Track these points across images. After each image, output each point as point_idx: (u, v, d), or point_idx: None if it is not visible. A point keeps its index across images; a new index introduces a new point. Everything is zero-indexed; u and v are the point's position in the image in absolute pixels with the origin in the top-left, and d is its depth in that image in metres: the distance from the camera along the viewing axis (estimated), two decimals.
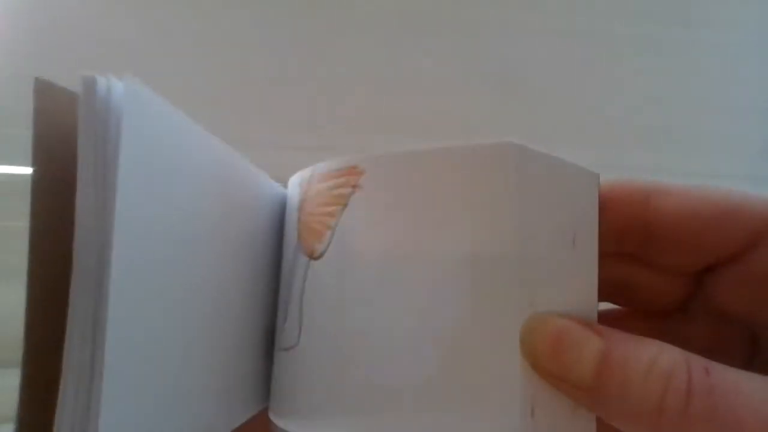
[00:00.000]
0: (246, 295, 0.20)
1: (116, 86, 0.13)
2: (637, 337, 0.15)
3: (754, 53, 0.62)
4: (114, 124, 0.13)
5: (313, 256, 0.19)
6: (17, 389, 0.15)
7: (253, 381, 0.21)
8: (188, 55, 0.50)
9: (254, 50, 0.51)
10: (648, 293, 0.20)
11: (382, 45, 0.53)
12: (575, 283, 0.16)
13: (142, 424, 0.15)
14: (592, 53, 0.57)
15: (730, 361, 0.15)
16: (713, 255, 0.18)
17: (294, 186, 0.20)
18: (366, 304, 0.17)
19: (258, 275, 0.21)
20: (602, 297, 0.19)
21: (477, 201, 0.16)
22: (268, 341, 0.21)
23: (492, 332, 0.16)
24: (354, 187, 0.18)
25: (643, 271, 0.20)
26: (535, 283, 0.16)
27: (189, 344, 0.17)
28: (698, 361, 0.14)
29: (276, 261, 0.21)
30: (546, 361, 0.15)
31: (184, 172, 0.16)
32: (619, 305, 0.21)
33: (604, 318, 0.17)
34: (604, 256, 0.17)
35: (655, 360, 0.14)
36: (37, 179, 0.13)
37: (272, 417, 0.20)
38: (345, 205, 0.18)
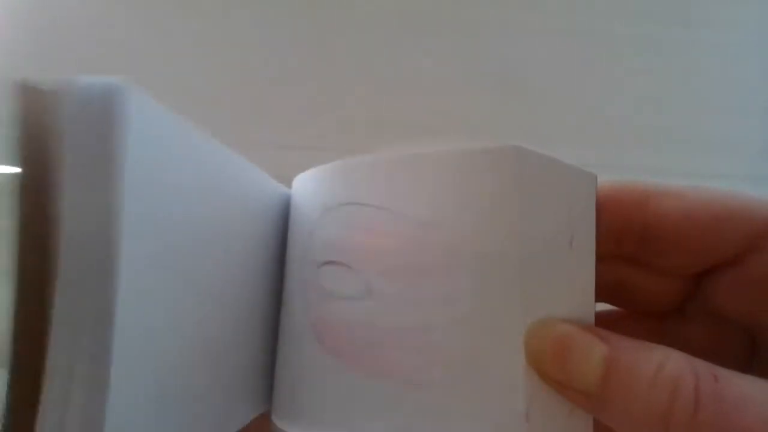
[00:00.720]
0: (250, 296, 0.20)
1: (112, 87, 0.13)
2: (643, 342, 0.15)
3: (754, 53, 0.62)
4: (111, 128, 0.12)
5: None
6: (4, 389, 0.14)
7: (256, 383, 0.21)
8: (188, 55, 0.50)
9: (254, 50, 0.51)
10: (645, 294, 0.20)
11: (382, 45, 0.53)
12: (572, 284, 0.16)
13: (145, 425, 0.15)
14: (592, 53, 0.57)
15: (728, 363, 0.15)
16: (712, 258, 0.18)
17: (305, 194, 0.20)
18: (366, 305, 0.18)
19: (262, 276, 0.21)
20: (599, 298, 0.19)
21: (477, 204, 0.16)
22: (272, 342, 0.21)
23: (491, 334, 0.16)
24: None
25: (640, 272, 0.20)
26: (533, 286, 0.16)
27: (193, 346, 0.17)
28: (706, 368, 0.14)
29: (280, 260, 0.21)
30: (550, 367, 0.15)
31: (187, 176, 0.16)
32: (617, 306, 0.21)
33: (602, 319, 0.17)
34: (601, 257, 0.17)
35: (662, 366, 0.14)
36: (19, 180, 0.13)
37: (274, 419, 0.20)
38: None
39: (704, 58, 0.60)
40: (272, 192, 0.21)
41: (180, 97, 0.49)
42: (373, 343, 0.18)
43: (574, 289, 0.16)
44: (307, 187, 0.21)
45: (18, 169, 0.12)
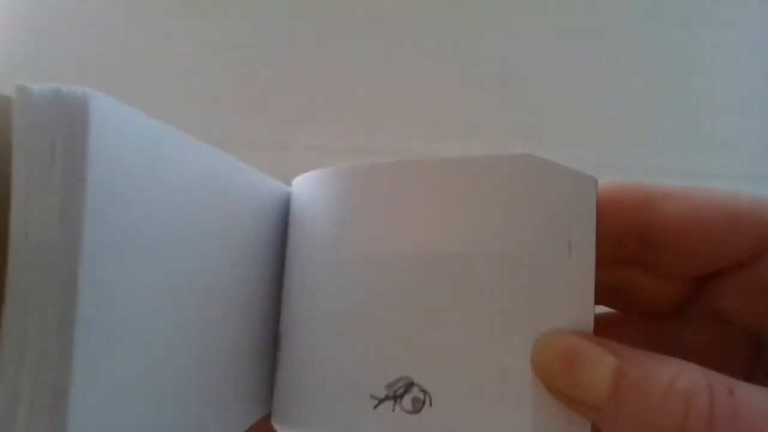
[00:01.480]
0: (248, 298, 0.20)
1: (64, 93, 0.13)
2: (654, 354, 0.15)
3: (755, 53, 0.62)
4: (66, 133, 0.13)
5: None
6: None
7: (255, 386, 0.20)
8: (188, 55, 0.50)
9: (254, 50, 0.51)
10: (645, 296, 0.19)
11: (382, 45, 0.53)
12: (572, 291, 0.16)
13: (133, 426, 0.15)
14: (591, 53, 0.57)
15: (729, 366, 0.14)
16: (719, 261, 0.17)
17: (308, 196, 0.20)
18: (369, 310, 0.18)
19: (261, 277, 0.20)
20: (599, 301, 0.18)
21: (483, 211, 0.16)
22: (272, 345, 0.21)
23: (497, 345, 0.16)
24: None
25: (641, 274, 0.19)
26: (539, 295, 0.16)
27: (188, 347, 0.17)
28: (721, 382, 0.13)
29: (279, 260, 0.21)
30: (558, 380, 0.15)
31: (163, 180, 0.15)
32: (616, 309, 0.21)
33: (601, 321, 0.17)
34: (601, 260, 0.17)
35: (675, 380, 0.13)
36: None
37: (274, 423, 0.20)
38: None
39: (704, 58, 0.60)
40: (269, 190, 0.21)
41: (180, 96, 0.49)
42: None
43: (574, 296, 0.16)
44: (312, 191, 0.21)
45: None
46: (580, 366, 0.15)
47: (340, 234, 0.19)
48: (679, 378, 0.13)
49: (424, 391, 0.16)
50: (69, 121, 0.12)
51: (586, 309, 0.16)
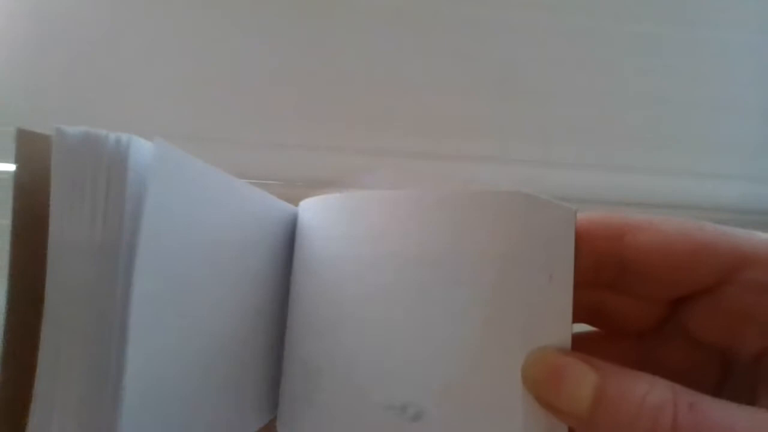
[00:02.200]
0: (262, 311, 0.21)
1: (98, 135, 0.15)
2: (631, 371, 0.17)
3: (755, 53, 0.62)
4: (96, 169, 0.15)
5: None
6: None
7: (263, 392, 0.22)
8: (189, 55, 0.50)
9: (254, 50, 0.51)
10: (623, 318, 0.21)
11: (383, 45, 0.53)
12: (553, 313, 0.18)
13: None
14: (592, 53, 0.57)
15: (702, 383, 0.16)
16: (685, 288, 0.19)
17: (315, 225, 0.22)
18: (376, 331, 0.19)
19: (271, 291, 0.22)
20: (580, 320, 0.21)
21: (476, 241, 0.18)
22: (277, 354, 0.22)
23: (491, 361, 0.18)
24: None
25: (618, 298, 0.21)
26: (526, 317, 0.18)
27: (208, 360, 0.18)
28: (684, 397, 0.15)
29: (286, 275, 0.23)
30: (546, 393, 0.17)
31: (206, 211, 0.18)
32: (597, 328, 0.22)
33: (584, 340, 0.19)
34: (581, 284, 0.19)
35: (646, 395, 0.15)
36: (15, 198, 0.15)
37: (280, 427, 0.21)
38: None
39: (705, 57, 0.60)
40: (278, 213, 0.22)
41: (181, 96, 0.49)
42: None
43: (555, 317, 0.18)
44: (317, 218, 0.22)
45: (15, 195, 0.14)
46: (566, 380, 0.17)
47: (339, 258, 0.20)
48: (650, 393, 0.16)
49: (424, 404, 0.18)
50: (97, 159, 0.14)
51: (565, 328, 0.18)
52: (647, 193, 0.58)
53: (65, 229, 0.14)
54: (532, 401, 0.17)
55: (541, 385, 0.17)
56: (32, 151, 0.14)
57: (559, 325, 0.18)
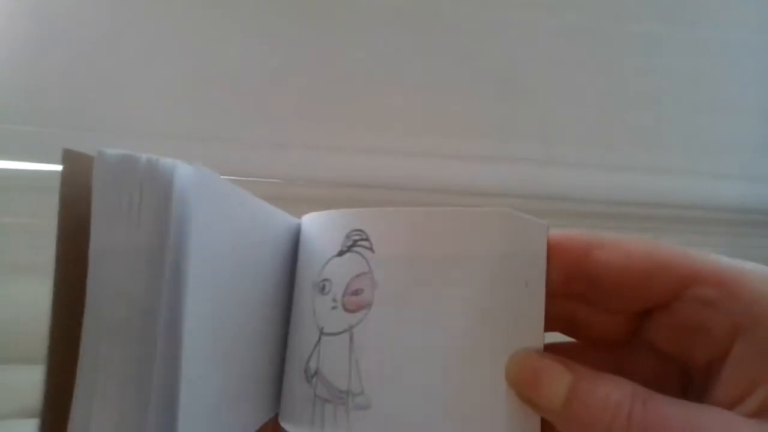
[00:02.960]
0: (270, 316, 0.24)
1: (134, 157, 0.17)
2: (600, 373, 0.19)
3: (756, 53, 0.62)
4: (134, 187, 0.17)
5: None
6: (41, 385, 0.17)
7: (268, 390, 0.24)
8: (188, 55, 0.50)
9: (255, 50, 0.51)
10: (594, 328, 0.23)
11: (383, 45, 0.53)
12: (529, 316, 0.21)
13: (208, 421, 0.18)
14: (593, 53, 0.57)
15: (669, 391, 0.18)
16: (645, 302, 0.21)
17: (319, 246, 0.24)
18: (380, 345, 0.22)
19: (278, 298, 0.24)
20: (555, 329, 0.23)
21: (466, 255, 0.21)
22: (281, 355, 0.25)
23: (479, 360, 0.20)
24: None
25: (589, 309, 0.23)
26: (509, 322, 0.20)
27: (236, 358, 0.21)
28: (640, 395, 0.18)
29: (290, 285, 0.25)
30: (527, 390, 0.19)
31: (237, 226, 0.20)
32: (570, 337, 0.24)
33: (564, 349, 0.21)
34: (554, 295, 0.21)
35: (609, 394, 0.18)
36: (59, 212, 0.17)
37: (282, 421, 0.23)
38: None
39: (705, 58, 0.60)
40: (284, 224, 0.25)
41: (181, 96, 0.49)
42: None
43: (530, 320, 0.20)
44: (317, 234, 0.25)
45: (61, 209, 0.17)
46: (544, 380, 0.19)
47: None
48: (613, 392, 0.18)
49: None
50: (132, 176, 0.16)
51: (539, 330, 0.20)
52: (647, 193, 0.58)
53: (104, 235, 0.16)
54: (514, 397, 0.20)
55: (523, 384, 0.20)
56: (76, 169, 0.16)
57: (534, 327, 0.20)
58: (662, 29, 0.59)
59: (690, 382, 0.21)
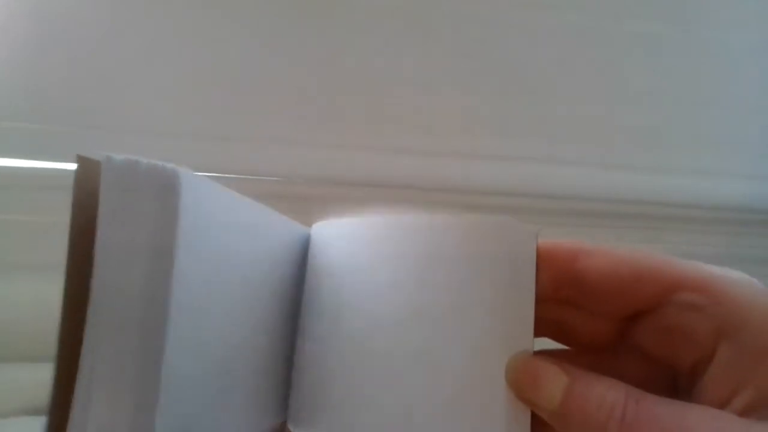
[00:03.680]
0: (278, 322, 0.25)
1: (136, 162, 0.18)
2: (595, 375, 0.20)
3: (757, 53, 0.62)
4: (134, 192, 0.18)
5: None
6: (50, 383, 0.17)
7: (275, 396, 0.25)
8: (189, 54, 0.50)
9: (255, 49, 0.51)
10: (582, 333, 0.24)
11: (384, 43, 0.53)
12: (517, 318, 0.21)
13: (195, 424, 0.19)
14: (595, 52, 0.57)
15: (656, 394, 0.19)
16: (632, 307, 0.22)
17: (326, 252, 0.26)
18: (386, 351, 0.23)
19: (286, 304, 0.25)
20: (544, 334, 0.24)
21: (467, 261, 0.22)
22: (289, 361, 0.25)
23: (479, 362, 0.21)
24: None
25: (577, 314, 0.24)
26: (507, 324, 0.21)
27: (231, 364, 0.21)
28: (633, 394, 0.19)
29: (298, 288, 0.26)
30: (526, 391, 0.20)
31: (231, 231, 0.21)
32: (559, 342, 0.25)
33: (555, 356, 0.22)
34: (544, 300, 0.22)
35: (604, 394, 0.19)
36: (71, 216, 0.18)
37: (291, 426, 0.25)
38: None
39: (707, 57, 0.60)
40: (293, 233, 0.26)
41: (183, 95, 0.49)
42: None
43: (520, 325, 0.21)
44: (327, 243, 0.26)
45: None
46: (542, 381, 0.20)
47: (343, 285, 0.24)
48: (608, 393, 0.19)
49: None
50: (135, 179, 0.17)
51: (530, 332, 0.21)
52: (648, 192, 0.58)
53: (109, 235, 0.17)
54: (513, 397, 0.21)
55: (522, 385, 0.21)
56: (87, 173, 0.18)
57: (525, 330, 0.21)
58: (663, 28, 0.59)
59: (676, 385, 0.22)
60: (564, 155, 0.56)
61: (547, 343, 0.24)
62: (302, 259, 0.26)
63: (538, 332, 0.22)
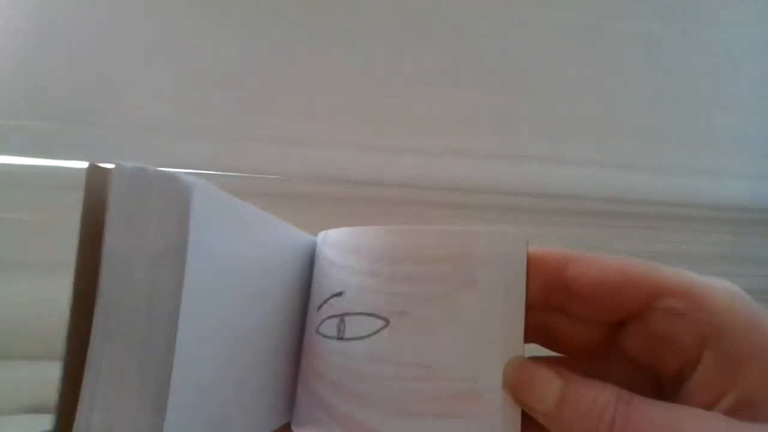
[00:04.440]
0: (279, 326, 0.25)
1: (146, 170, 0.18)
2: (588, 379, 0.21)
3: (757, 53, 0.62)
4: (142, 200, 0.18)
5: None
6: (58, 381, 0.17)
7: (280, 399, 0.25)
8: (189, 53, 0.50)
9: (255, 47, 0.51)
10: (571, 339, 0.25)
11: (385, 42, 0.53)
12: (509, 324, 0.22)
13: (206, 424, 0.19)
14: (596, 52, 0.57)
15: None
16: (619, 314, 0.23)
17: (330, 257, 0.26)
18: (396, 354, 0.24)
19: (292, 309, 0.26)
20: (534, 340, 0.24)
21: (463, 268, 0.23)
22: (295, 364, 0.26)
23: (480, 365, 0.22)
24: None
25: (566, 320, 0.24)
26: (505, 329, 0.22)
27: (242, 368, 0.22)
28: (624, 397, 0.20)
29: (304, 295, 0.27)
30: (522, 394, 0.21)
31: (241, 238, 0.21)
32: (548, 348, 0.26)
33: (547, 362, 0.22)
34: (533, 306, 0.23)
35: (596, 397, 0.20)
36: (80, 224, 0.18)
37: (295, 428, 0.25)
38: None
39: (709, 56, 0.60)
40: (299, 241, 0.27)
41: (183, 94, 0.49)
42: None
43: (510, 329, 0.22)
44: (331, 251, 0.27)
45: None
46: (537, 384, 0.21)
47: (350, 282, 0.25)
48: (600, 395, 0.20)
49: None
50: (144, 185, 0.18)
51: (520, 338, 0.22)
52: (649, 191, 0.58)
53: (116, 239, 0.18)
54: (505, 399, 0.22)
55: (519, 388, 0.21)
56: (97, 180, 0.18)
57: (515, 334, 0.22)
58: (663, 28, 0.59)
59: (661, 390, 0.23)
60: (564, 155, 0.56)
61: (536, 349, 0.24)
62: (308, 266, 0.27)
63: (528, 338, 0.22)
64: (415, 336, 0.23)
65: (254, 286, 0.22)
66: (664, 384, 0.23)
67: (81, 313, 0.18)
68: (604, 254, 0.23)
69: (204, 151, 0.48)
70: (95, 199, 0.18)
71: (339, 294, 0.25)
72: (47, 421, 0.17)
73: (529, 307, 0.22)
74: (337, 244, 0.26)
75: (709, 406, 0.20)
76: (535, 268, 0.23)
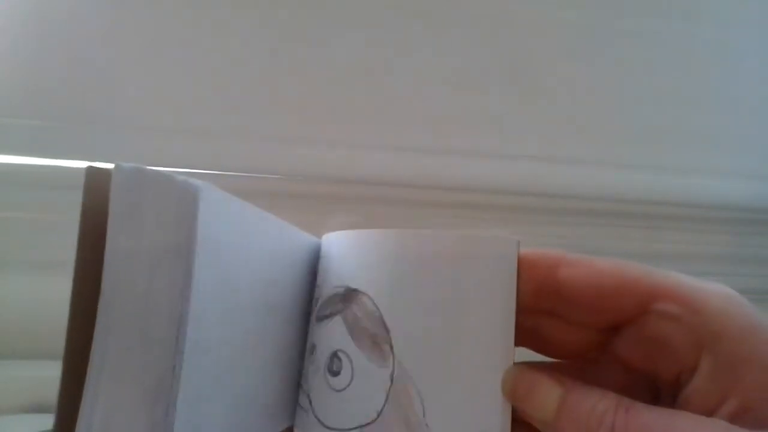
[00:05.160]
0: (284, 330, 0.25)
1: (144, 170, 0.18)
2: (587, 386, 0.21)
3: (758, 53, 0.62)
4: (141, 199, 0.18)
5: None
6: (58, 381, 0.17)
7: (285, 402, 0.26)
8: (190, 52, 0.50)
9: (257, 46, 0.51)
10: (563, 344, 0.24)
11: (386, 41, 0.53)
12: (497, 327, 0.22)
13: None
14: (595, 50, 0.57)
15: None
16: (612, 318, 0.22)
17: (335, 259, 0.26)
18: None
19: (296, 313, 0.26)
20: (525, 344, 0.24)
21: (477, 280, 0.23)
22: (298, 369, 0.26)
23: (480, 374, 0.22)
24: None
25: (558, 324, 0.24)
26: (501, 336, 0.22)
27: (248, 368, 0.22)
28: (623, 403, 0.20)
29: (307, 300, 0.26)
30: (522, 402, 0.21)
31: (247, 241, 0.21)
32: (539, 353, 0.25)
33: (541, 368, 0.22)
34: (524, 310, 0.22)
35: (596, 405, 0.20)
36: (80, 223, 0.18)
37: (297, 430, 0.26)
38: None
39: (710, 55, 0.60)
40: (304, 244, 0.27)
41: (184, 94, 0.49)
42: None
43: (500, 333, 0.22)
44: (336, 253, 0.26)
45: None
46: (537, 392, 0.21)
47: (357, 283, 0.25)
48: (599, 402, 0.20)
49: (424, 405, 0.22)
50: (144, 186, 0.18)
51: (510, 342, 0.22)
52: (650, 191, 0.58)
53: (118, 239, 0.18)
54: (510, 407, 0.21)
55: (519, 396, 0.21)
56: (96, 181, 0.18)
57: (507, 338, 0.22)
58: (664, 28, 0.59)
59: (657, 396, 0.23)
60: (564, 155, 0.56)
61: (527, 354, 0.24)
62: (313, 268, 0.27)
63: (518, 342, 0.22)
64: (420, 342, 0.23)
65: (258, 288, 0.22)
66: (661, 390, 0.22)
67: (81, 313, 0.18)
68: (597, 257, 0.22)
69: (204, 151, 0.48)
70: (95, 200, 0.18)
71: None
72: (47, 420, 0.17)
73: (519, 311, 0.22)
74: (341, 245, 0.26)
75: (710, 413, 0.19)
76: (526, 270, 0.22)
